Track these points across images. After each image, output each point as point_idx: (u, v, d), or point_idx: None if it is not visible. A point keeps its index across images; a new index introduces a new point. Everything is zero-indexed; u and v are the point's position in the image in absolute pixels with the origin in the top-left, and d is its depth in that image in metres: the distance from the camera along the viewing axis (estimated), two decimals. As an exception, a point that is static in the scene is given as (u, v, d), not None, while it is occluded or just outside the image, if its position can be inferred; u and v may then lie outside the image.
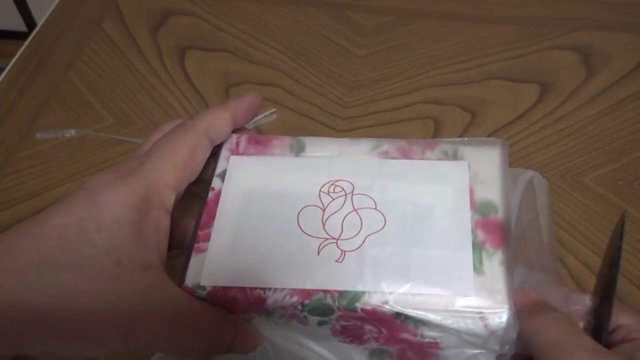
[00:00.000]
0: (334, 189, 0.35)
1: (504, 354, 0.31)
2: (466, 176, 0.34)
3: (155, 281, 0.30)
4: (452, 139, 0.36)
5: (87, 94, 0.56)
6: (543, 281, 0.32)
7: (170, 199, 0.32)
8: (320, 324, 0.32)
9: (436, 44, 0.60)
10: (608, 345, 0.29)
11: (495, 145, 0.35)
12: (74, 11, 0.64)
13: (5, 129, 0.54)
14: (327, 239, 0.33)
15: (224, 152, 0.37)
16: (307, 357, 0.34)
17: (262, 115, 0.53)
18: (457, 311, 0.30)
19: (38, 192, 0.49)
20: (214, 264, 0.32)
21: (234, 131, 0.37)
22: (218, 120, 0.34)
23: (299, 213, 0.34)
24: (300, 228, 0.33)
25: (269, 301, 0.31)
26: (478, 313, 0.30)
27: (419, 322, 0.30)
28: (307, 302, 0.31)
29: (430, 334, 0.31)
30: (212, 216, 0.34)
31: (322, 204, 0.34)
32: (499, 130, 0.52)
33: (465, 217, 0.33)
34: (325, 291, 0.31)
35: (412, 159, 0.36)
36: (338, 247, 0.33)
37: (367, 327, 0.32)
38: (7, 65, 0.59)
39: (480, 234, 0.32)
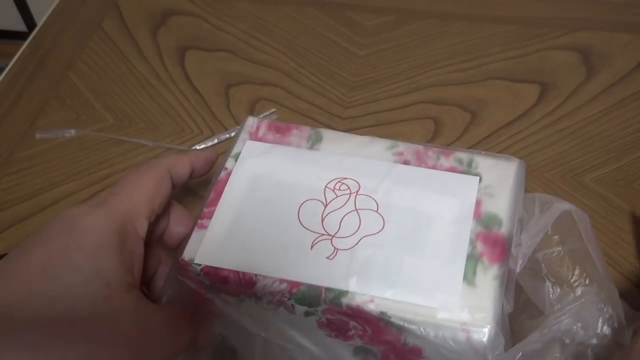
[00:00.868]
0: (339, 187, 0.35)
1: None
2: (474, 192, 0.34)
3: (138, 298, 0.31)
4: (471, 150, 0.36)
5: (87, 94, 0.56)
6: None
7: (143, 227, 0.32)
8: (306, 314, 0.32)
9: (436, 44, 0.59)
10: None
11: (512, 162, 0.35)
12: (74, 11, 0.64)
13: (5, 129, 0.54)
14: (322, 234, 0.33)
15: (242, 135, 0.38)
16: (293, 350, 0.34)
17: (262, 115, 0.53)
18: (438, 324, 0.30)
19: (38, 192, 0.49)
20: (211, 242, 0.33)
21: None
22: (180, 162, 0.35)
23: (300, 205, 0.34)
24: (299, 220, 0.34)
25: (259, 284, 0.32)
26: (460, 327, 0.30)
27: (402, 328, 0.30)
28: (295, 290, 0.31)
29: (413, 340, 0.31)
30: (219, 195, 0.35)
31: (325, 200, 0.35)
32: (499, 130, 0.52)
33: (465, 232, 0.33)
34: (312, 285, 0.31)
35: (426, 163, 0.36)
36: (332, 244, 0.33)
37: (352, 323, 0.32)
38: (7, 65, 0.59)
39: (480, 246, 0.32)
